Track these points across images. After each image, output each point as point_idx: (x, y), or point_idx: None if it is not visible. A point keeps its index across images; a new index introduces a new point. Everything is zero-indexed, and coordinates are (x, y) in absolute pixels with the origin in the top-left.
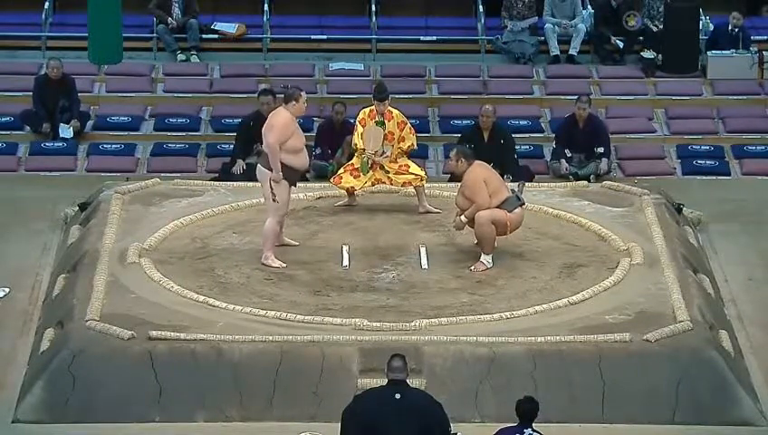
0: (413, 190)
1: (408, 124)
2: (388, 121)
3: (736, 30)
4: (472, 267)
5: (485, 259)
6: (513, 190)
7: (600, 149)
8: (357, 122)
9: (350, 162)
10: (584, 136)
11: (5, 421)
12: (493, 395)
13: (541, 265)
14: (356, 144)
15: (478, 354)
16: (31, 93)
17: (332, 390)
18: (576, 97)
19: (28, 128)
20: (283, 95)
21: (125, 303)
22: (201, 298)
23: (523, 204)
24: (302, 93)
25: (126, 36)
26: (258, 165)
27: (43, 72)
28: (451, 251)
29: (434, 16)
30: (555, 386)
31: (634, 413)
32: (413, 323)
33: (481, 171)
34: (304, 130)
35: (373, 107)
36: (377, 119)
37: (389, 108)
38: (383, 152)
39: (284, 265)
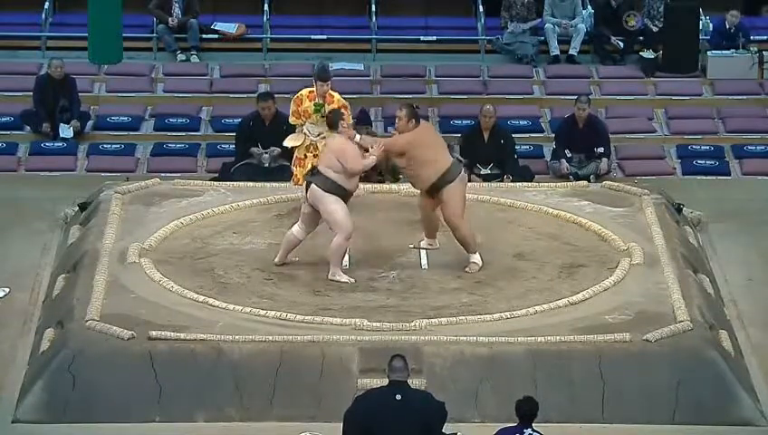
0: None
1: (349, 109)
2: (329, 105)
3: (734, 28)
4: (467, 268)
5: (475, 259)
6: (453, 156)
7: (600, 150)
8: (292, 101)
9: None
10: (584, 136)
11: (5, 421)
12: (493, 395)
13: (541, 265)
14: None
15: (478, 354)
16: (31, 93)
17: (332, 390)
18: (576, 97)
19: (28, 128)
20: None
21: (125, 303)
22: (201, 298)
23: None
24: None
25: (126, 36)
26: (313, 184)
27: (43, 72)
28: (451, 251)
29: (434, 16)
30: (555, 386)
31: (634, 413)
32: (413, 323)
33: (422, 138)
34: None
35: (313, 88)
36: (316, 100)
37: (330, 91)
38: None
39: (353, 280)
